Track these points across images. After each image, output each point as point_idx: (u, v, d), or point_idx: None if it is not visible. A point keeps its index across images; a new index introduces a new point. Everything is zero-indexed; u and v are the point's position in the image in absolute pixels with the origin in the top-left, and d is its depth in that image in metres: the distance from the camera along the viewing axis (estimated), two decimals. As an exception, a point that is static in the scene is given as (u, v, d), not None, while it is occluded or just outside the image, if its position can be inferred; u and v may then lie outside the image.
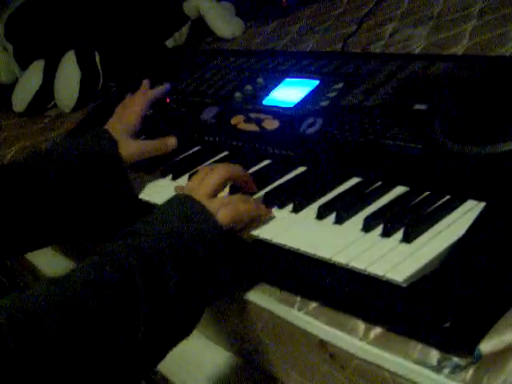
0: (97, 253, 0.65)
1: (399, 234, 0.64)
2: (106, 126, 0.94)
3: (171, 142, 0.94)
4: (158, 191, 0.90)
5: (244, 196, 0.76)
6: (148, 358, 0.63)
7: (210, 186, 0.73)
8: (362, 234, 0.66)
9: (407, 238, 0.63)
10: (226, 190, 0.78)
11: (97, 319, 0.58)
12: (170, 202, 0.72)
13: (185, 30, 1.63)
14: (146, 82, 1.04)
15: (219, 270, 0.68)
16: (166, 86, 1.05)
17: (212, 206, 0.70)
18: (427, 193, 0.69)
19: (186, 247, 0.66)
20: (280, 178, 0.82)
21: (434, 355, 0.55)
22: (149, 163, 0.94)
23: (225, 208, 0.70)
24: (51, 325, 0.56)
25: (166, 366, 0.86)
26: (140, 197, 0.90)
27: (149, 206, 0.87)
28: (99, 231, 0.91)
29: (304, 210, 0.74)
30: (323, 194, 0.75)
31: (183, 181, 0.89)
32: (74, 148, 0.88)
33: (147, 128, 1.02)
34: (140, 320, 0.60)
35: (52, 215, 0.85)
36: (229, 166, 0.78)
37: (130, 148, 0.90)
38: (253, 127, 0.92)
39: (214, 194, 0.74)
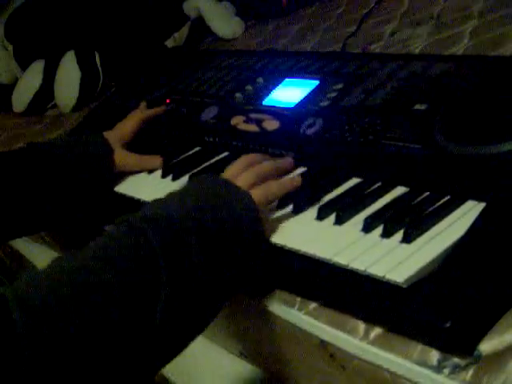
0: (114, 226, 0.62)
1: (399, 235, 0.64)
2: (103, 133, 0.99)
3: (158, 161, 0.96)
4: (159, 192, 0.89)
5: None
6: (163, 348, 0.59)
7: (250, 179, 0.73)
8: (362, 234, 0.66)
9: (407, 239, 0.63)
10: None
11: (112, 296, 0.55)
12: (200, 179, 0.73)
13: (185, 29, 1.63)
14: (144, 104, 1.09)
15: (250, 254, 0.66)
16: (164, 107, 1.08)
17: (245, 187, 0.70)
18: (427, 193, 0.69)
19: (216, 225, 0.63)
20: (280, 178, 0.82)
21: (434, 355, 0.55)
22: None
23: (258, 188, 0.71)
24: (62, 301, 0.53)
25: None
26: (140, 198, 0.90)
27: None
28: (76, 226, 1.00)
29: (304, 211, 0.74)
30: (323, 195, 0.75)
31: (183, 181, 0.89)
32: (72, 146, 0.93)
33: (147, 128, 1.02)
34: (160, 301, 0.56)
35: (38, 205, 0.89)
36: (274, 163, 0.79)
37: (123, 158, 0.96)
38: (253, 127, 0.92)
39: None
